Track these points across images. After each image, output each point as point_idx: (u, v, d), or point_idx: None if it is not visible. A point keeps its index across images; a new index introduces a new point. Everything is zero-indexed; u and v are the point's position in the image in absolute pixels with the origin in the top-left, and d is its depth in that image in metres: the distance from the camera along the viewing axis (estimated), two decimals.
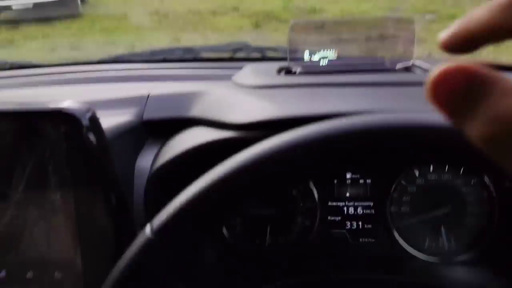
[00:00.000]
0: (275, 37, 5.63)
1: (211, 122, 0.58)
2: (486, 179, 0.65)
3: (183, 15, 7.26)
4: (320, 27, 0.75)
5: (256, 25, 6.14)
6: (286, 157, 0.32)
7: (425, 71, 0.74)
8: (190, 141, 0.56)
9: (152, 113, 0.67)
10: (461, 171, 0.66)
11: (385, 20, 0.75)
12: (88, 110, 0.51)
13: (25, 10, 6.98)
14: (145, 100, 0.69)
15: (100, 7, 8.34)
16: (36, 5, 7.07)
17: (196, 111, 0.64)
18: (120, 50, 5.07)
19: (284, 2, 7.30)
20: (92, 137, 0.51)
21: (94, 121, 0.52)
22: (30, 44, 5.38)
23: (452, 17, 6.04)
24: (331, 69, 0.76)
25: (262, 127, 0.51)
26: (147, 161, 0.63)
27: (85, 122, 0.50)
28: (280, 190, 0.65)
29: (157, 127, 0.67)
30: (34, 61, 1.24)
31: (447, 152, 0.32)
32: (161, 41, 5.69)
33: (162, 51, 1.18)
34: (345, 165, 0.31)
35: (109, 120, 0.62)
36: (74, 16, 7.15)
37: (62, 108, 0.50)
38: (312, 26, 0.77)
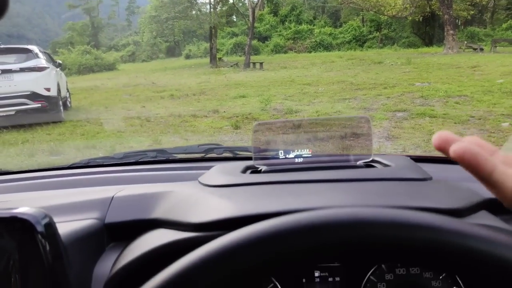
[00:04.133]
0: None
1: (172, 223, 0.58)
2: (453, 273, 0.64)
3: (165, 118, 7.50)
4: (283, 125, 0.78)
5: (236, 127, 6.36)
6: (238, 254, 0.31)
7: (385, 165, 0.77)
8: (149, 243, 0.55)
9: (114, 216, 0.66)
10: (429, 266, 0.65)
11: (340, 120, 0.79)
12: (44, 216, 0.50)
13: (7, 117, 7.09)
14: (108, 202, 0.69)
15: (82, 112, 8.57)
16: (18, 112, 7.20)
17: (159, 213, 0.63)
18: (101, 153, 5.12)
19: (262, 104, 7.65)
20: (46, 244, 0.49)
21: (50, 228, 0.50)
22: (8, 150, 5.40)
23: (422, 114, 6.38)
24: (295, 167, 0.78)
25: (220, 226, 0.50)
26: (106, 266, 0.60)
27: (40, 228, 0.49)
28: None
29: (120, 230, 0.65)
30: (8, 167, 1.24)
31: (413, 251, 0.31)
32: (142, 143, 5.80)
33: (136, 154, 1.20)
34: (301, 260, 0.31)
35: (69, 225, 0.61)
36: (55, 121, 7.28)
37: (17, 214, 0.49)
38: (276, 125, 0.80)
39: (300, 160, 0.79)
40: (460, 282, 0.64)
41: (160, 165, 1.11)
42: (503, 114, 6.10)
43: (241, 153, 1.13)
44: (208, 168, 0.85)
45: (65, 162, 1.23)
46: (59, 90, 7.99)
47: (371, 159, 0.80)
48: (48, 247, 0.49)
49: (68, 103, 9.14)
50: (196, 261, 0.30)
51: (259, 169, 0.81)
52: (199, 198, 0.62)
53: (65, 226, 0.59)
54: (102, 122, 7.50)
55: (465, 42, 19.70)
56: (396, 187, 0.51)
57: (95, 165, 1.15)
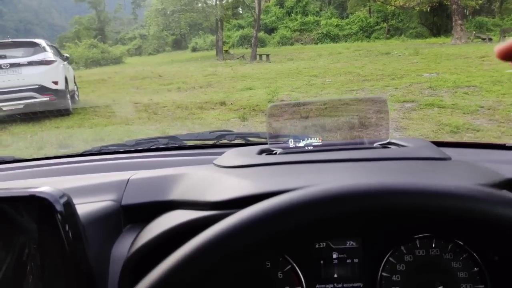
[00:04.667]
0: (261, 129, 5.80)
1: (189, 204, 0.57)
2: (474, 253, 0.63)
3: (172, 111, 7.50)
4: (297, 108, 0.77)
5: (243, 119, 6.35)
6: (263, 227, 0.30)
7: (402, 146, 0.76)
8: (167, 223, 0.55)
9: (131, 198, 0.66)
10: (449, 247, 0.64)
11: (359, 101, 0.78)
12: (62, 196, 0.50)
13: (15, 110, 7.13)
14: (124, 185, 0.68)
15: (90, 105, 8.59)
16: (27, 106, 7.23)
17: (175, 194, 0.63)
18: None
19: (269, 96, 7.63)
20: (66, 224, 0.49)
21: (69, 207, 0.50)
22: (18, 143, 5.44)
23: (430, 105, 6.33)
24: (311, 149, 0.77)
25: (238, 204, 0.50)
26: (123, 247, 0.60)
27: (59, 207, 0.49)
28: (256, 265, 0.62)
29: (137, 212, 0.65)
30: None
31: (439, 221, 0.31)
32: (150, 136, 5.81)
33: (147, 141, 1.19)
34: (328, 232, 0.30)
35: (87, 207, 0.61)
36: (63, 114, 7.31)
37: (35, 193, 0.49)
38: (290, 107, 0.80)
39: (310, 147, 0.78)
40: (482, 263, 0.63)
41: (172, 152, 1.11)
42: None
43: (253, 139, 1.13)
44: (220, 154, 0.85)
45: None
46: (66, 84, 8.01)
47: (387, 141, 0.79)
48: (67, 227, 0.49)
49: (76, 96, 9.16)
50: (223, 231, 0.29)
51: (274, 152, 0.80)
52: (216, 178, 0.61)
53: (82, 208, 0.59)
54: (109, 115, 7.52)
55: (474, 32, 19.47)
56: (415, 165, 0.50)
57: (107, 152, 1.15)
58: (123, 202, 0.65)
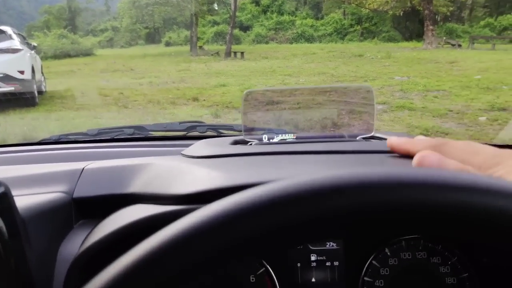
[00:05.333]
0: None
1: (151, 197, 0.50)
2: (464, 257, 0.58)
3: (143, 105, 7.34)
4: (274, 94, 0.71)
5: (216, 115, 6.26)
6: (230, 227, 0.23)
7: (384, 140, 0.70)
8: (124, 219, 0.47)
9: (84, 190, 0.57)
10: (438, 248, 0.59)
11: (343, 90, 0.72)
12: None
13: None
14: (78, 175, 0.60)
15: (57, 97, 8.33)
16: None
17: (136, 187, 0.55)
18: None
19: (242, 93, 7.56)
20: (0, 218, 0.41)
21: (5, 199, 0.42)
22: None
23: (401, 107, 6.41)
24: (289, 141, 0.71)
25: (207, 198, 0.43)
26: (74, 245, 0.52)
27: None
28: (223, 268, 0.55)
29: (91, 206, 0.57)
30: None
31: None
32: None
33: (111, 130, 1.11)
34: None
35: (30, 199, 0.52)
36: (29, 105, 7.07)
37: None
38: (267, 93, 0.73)
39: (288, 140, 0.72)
40: (472, 268, 0.58)
41: (138, 142, 1.02)
42: (480, 109, 6.18)
43: (226, 131, 1.06)
44: (190, 145, 0.78)
45: None
46: (33, 74, 7.74)
47: (371, 135, 0.73)
48: (1, 222, 0.41)
49: (43, 87, 8.85)
50: (186, 229, 0.23)
51: (249, 143, 0.73)
52: (183, 169, 0.53)
53: (26, 200, 0.51)
54: (78, 107, 7.30)
55: (444, 38, 19.94)
56: (401, 159, 0.45)
57: (66, 141, 1.06)
58: (75, 195, 0.57)
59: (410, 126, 5.51)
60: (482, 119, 5.64)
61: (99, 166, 0.62)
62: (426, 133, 5.16)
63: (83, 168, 0.61)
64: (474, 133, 5.06)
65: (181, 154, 0.65)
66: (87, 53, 23.04)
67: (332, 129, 0.79)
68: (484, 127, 5.30)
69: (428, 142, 0.38)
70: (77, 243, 0.52)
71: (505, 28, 22.77)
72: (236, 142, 0.73)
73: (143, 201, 0.52)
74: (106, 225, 0.50)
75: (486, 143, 0.98)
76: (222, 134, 1.05)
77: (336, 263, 0.60)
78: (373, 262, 0.60)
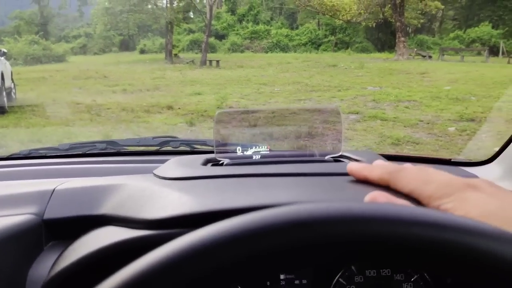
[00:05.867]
0: (210, 135, 5.72)
1: (122, 220, 0.50)
2: (427, 275, 0.61)
3: (116, 113, 7.24)
4: (246, 115, 0.72)
5: (191, 124, 6.23)
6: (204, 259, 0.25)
7: (353, 160, 0.73)
8: (95, 243, 0.47)
9: (55, 212, 0.57)
10: (401, 266, 0.61)
11: (310, 111, 0.74)
12: None
13: None
14: (49, 196, 0.60)
15: (28, 104, 8.14)
16: None
17: (107, 208, 0.55)
18: None
19: (218, 102, 7.56)
20: None
21: None
22: None
23: (373, 117, 6.53)
24: (260, 160, 0.73)
25: (178, 223, 0.44)
26: (44, 268, 0.52)
27: None
28: None
29: (61, 228, 0.57)
30: None
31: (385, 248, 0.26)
32: (91, 138, 5.55)
33: (83, 145, 1.10)
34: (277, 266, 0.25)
35: (0, 221, 0.52)
36: None
37: None
38: (238, 114, 0.74)
39: (258, 157, 0.74)
40: (433, 284, 0.60)
41: (110, 158, 1.02)
42: (449, 119, 6.36)
43: (199, 147, 1.07)
44: (163, 162, 0.78)
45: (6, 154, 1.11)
46: (2, 80, 7.54)
47: (339, 154, 0.75)
48: None
49: (12, 94, 8.64)
50: (161, 262, 0.24)
51: (220, 162, 0.74)
52: (155, 191, 0.54)
53: None
54: (49, 115, 7.15)
55: (415, 49, 20.45)
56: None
57: (37, 156, 1.04)
58: (46, 216, 0.57)
59: (382, 135, 5.62)
60: (451, 129, 5.81)
61: (71, 187, 0.62)
62: (398, 142, 5.27)
63: (54, 189, 0.61)
64: (444, 143, 5.20)
65: (153, 173, 0.66)
66: (59, 60, 22.61)
67: (301, 146, 0.81)
68: (453, 137, 5.45)
69: (384, 169, 0.39)
70: (47, 266, 0.52)
71: (474, 41, 23.53)
72: (208, 161, 0.74)
73: (114, 223, 0.52)
74: (77, 248, 0.50)
75: (449, 159, 1.02)
76: (195, 149, 1.06)
77: (304, 281, 0.62)
78: (340, 279, 0.62)
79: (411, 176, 0.37)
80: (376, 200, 0.34)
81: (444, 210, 0.32)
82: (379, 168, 0.40)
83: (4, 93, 7.52)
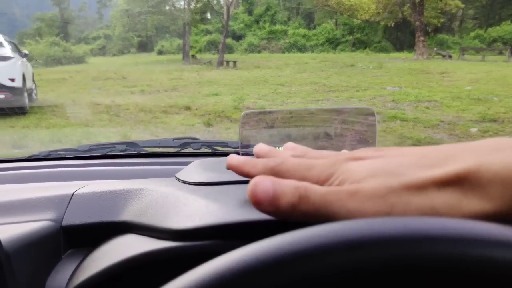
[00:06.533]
0: (227, 136, 5.71)
1: (146, 228, 0.47)
2: None
3: (135, 114, 7.29)
4: (273, 116, 0.68)
5: (208, 124, 6.23)
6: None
7: None
8: (117, 254, 0.44)
9: (74, 218, 0.54)
10: None
11: (344, 112, 0.70)
12: None
13: None
14: (67, 201, 0.57)
15: (48, 105, 8.27)
16: None
17: (129, 215, 0.52)
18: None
19: (235, 103, 7.54)
20: None
21: None
22: None
23: (393, 118, 6.43)
24: None
25: (208, 234, 0.40)
26: (62, 278, 0.49)
27: None
28: None
29: (80, 235, 0.54)
30: None
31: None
32: (110, 139, 5.59)
33: (103, 146, 1.08)
34: None
35: (16, 228, 0.49)
36: (19, 113, 7.01)
37: None
38: (264, 115, 0.71)
39: None
40: None
41: (130, 160, 1.00)
42: (471, 120, 6.22)
43: (221, 148, 1.03)
44: (184, 164, 0.75)
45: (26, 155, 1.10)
46: (24, 81, 7.67)
47: None
48: None
49: (34, 95, 8.79)
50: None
51: None
52: (179, 198, 0.50)
53: (11, 229, 0.48)
54: (69, 116, 7.24)
55: (435, 49, 20.17)
56: None
57: (56, 158, 1.03)
58: (64, 223, 0.54)
59: (402, 137, 5.52)
60: (474, 130, 5.68)
61: (90, 191, 0.59)
62: (418, 143, 5.17)
63: (73, 193, 0.58)
64: None
65: (175, 177, 0.63)
66: (79, 61, 22.98)
67: (332, 149, 0.76)
68: (476, 138, 5.32)
69: (266, 163, 0.36)
70: (65, 275, 0.49)
71: (495, 40, 23.12)
72: None
73: (136, 231, 0.49)
74: (97, 258, 0.47)
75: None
76: (216, 151, 1.03)
77: None
78: None
79: (292, 166, 0.34)
80: (260, 184, 0.31)
81: (335, 189, 0.28)
82: (261, 164, 0.36)
83: (26, 94, 7.65)
